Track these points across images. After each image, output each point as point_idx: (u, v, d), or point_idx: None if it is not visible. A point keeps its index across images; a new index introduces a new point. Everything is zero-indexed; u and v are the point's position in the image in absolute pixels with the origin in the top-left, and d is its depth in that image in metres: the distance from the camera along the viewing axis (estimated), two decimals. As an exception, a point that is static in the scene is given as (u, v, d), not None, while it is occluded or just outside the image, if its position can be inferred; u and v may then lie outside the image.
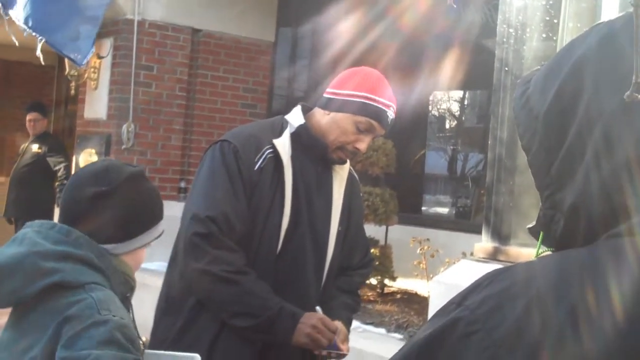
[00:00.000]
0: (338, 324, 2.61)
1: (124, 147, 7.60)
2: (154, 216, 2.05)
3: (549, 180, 0.96)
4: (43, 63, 7.09)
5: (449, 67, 6.97)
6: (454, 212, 7.69)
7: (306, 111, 2.73)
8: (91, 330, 1.73)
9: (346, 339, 2.65)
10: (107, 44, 7.67)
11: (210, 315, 2.56)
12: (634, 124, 0.88)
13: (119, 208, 1.95)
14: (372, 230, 5.80)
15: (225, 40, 8.23)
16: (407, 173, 7.46)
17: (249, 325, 2.50)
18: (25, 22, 6.71)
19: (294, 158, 2.62)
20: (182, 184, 7.94)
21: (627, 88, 0.84)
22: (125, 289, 1.96)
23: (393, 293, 6.22)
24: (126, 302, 1.95)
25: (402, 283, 6.26)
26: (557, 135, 0.95)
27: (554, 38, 3.75)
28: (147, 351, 2.04)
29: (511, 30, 3.92)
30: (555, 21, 3.73)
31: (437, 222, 6.99)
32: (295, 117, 2.69)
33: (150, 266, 5.95)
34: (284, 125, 2.68)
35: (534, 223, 1.02)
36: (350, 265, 2.85)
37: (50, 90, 11.54)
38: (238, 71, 8.33)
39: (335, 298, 2.76)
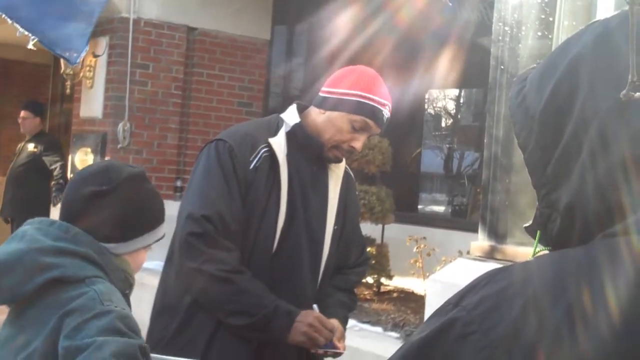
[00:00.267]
0: (334, 322, 2.61)
1: (119, 146, 7.59)
2: (155, 218, 2.05)
3: (545, 179, 0.96)
4: (34, 47, 7.06)
5: (445, 65, 6.97)
6: (450, 210, 7.69)
7: (301, 110, 2.72)
8: (94, 320, 1.74)
9: (343, 337, 2.64)
10: (103, 43, 7.66)
11: (206, 315, 2.55)
12: (630, 123, 0.88)
13: (117, 207, 1.96)
14: (368, 228, 5.80)
15: (221, 39, 8.23)
16: (403, 171, 7.46)
17: (244, 324, 2.49)
18: (18, 21, 6.70)
19: (289, 157, 2.61)
20: (178, 183, 7.93)
21: (623, 87, 0.84)
22: (124, 285, 1.97)
23: (389, 292, 6.22)
24: (125, 299, 1.96)
25: (398, 282, 6.26)
26: (553, 134, 0.95)
27: (550, 36, 3.75)
28: (152, 355, 2.05)
29: (507, 28, 3.92)
30: (551, 19, 3.73)
31: (433, 221, 7.00)
32: (290, 116, 2.69)
33: (148, 265, 5.88)
34: (279, 124, 2.67)
35: (530, 222, 1.02)
36: (346, 263, 2.85)
37: (46, 88, 11.52)
38: (234, 69, 8.32)
39: (332, 296, 2.76)
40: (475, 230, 4.14)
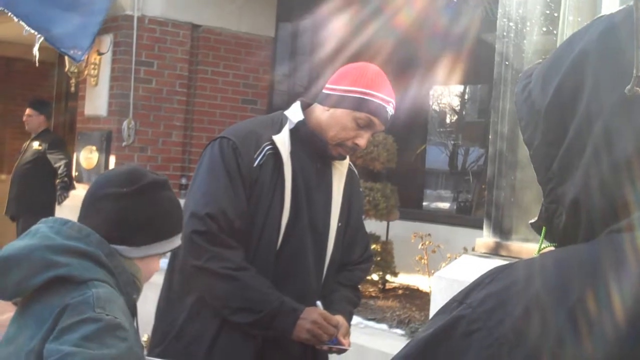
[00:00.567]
0: (339, 318, 2.61)
1: (124, 143, 7.59)
2: (171, 227, 2.04)
3: (551, 174, 0.96)
4: (37, 63, 7.08)
5: (450, 62, 6.96)
6: (455, 207, 7.69)
7: (305, 107, 2.72)
8: (82, 325, 1.73)
9: (348, 333, 2.64)
10: (107, 40, 7.66)
11: (211, 311, 2.56)
12: (635, 118, 0.88)
13: (135, 212, 1.96)
14: (373, 225, 5.80)
15: (225, 36, 8.22)
16: (408, 168, 7.45)
17: (249, 321, 2.50)
18: (25, 19, 6.70)
19: (293, 154, 2.61)
20: (183, 181, 7.93)
21: (628, 82, 0.83)
22: (132, 289, 1.96)
23: (394, 289, 6.22)
24: (132, 302, 1.95)
25: (403, 279, 6.26)
26: (558, 129, 0.94)
27: (554, 32, 3.74)
28: (148, 358, 2.05)
29: (511, 24, 3.91)
30: (556, 15, 3.72)
31: (438, 217, 6.99)
32: (294, 113, 2.69)
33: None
34: (283, 121, 2.67)
35: (536, 218, 1.02)
36: (350, 260, 2.85)
37: (50, 87, 11.52)
38: (238, 67, 8.31)
39: (336, 292, 2.77)
40: (480, 227, 4.13)
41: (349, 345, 2.63)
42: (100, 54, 7.70)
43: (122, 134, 7.57)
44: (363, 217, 3.10)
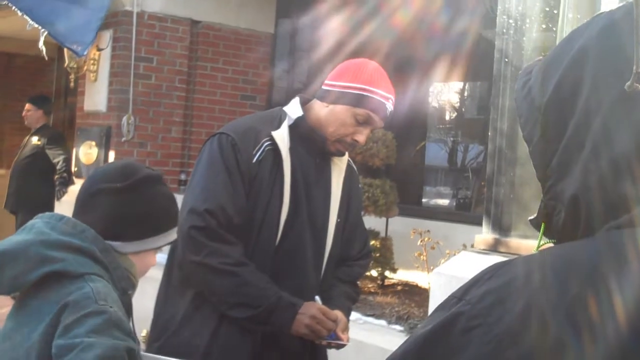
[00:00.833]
0: (338, 313, 2.61)
1: (124, 139, 7.59)
2: (165, 221, 2.05)
3: (550, 171, 0.96)
4: (45, 57, 7.08)
5: (449, 58, 6.96)
6: (454, 203, 7.69)
7: (305, 103, 2.72)
8: (87, 319, 1.74)
9: (346, 329, 2.65)
10: (107, 36, 7.65)
11: (210, 307, 2.56)
12: (634, 115, 0.88)
13: (128, 206, 1.97)
14: (372, 222, 5.80)
15: (225, 32, 8.22)
16: (407, 165, 7.45)
17: (247, 316, 2.50)
18: (28, 13, 6.69)
19: (292, 150, 2.61)
20: (183, 176, 7.93)
21: (627, 79, 0.83)
22: (126, 284, 1.97)
23: (393, 285, 6.22)
24: (126, 298, 1.96)
25: (402, 275, 6.26)
26: (558, 126, 0.94)
27: (554, 29, 3.74)
28: (144, 354, 2.05)
29: (511, 21, 3.91)
30: (555, 12, 3.72)
31: (437, 214, 6.99)
32: (293, 109, 2.69)
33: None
34: (282, 117, 2.67)
35: (535, 215, 1.02)
36: (349, 256, 2.85)
37: (50, 82, 11.51)
38: (238, 63, 8.31)
39: (335, 287, 2.77)
40: (480, 224, 4.13)
41: (348, 341, 2.63)
42: (99, 49, 7.69)
43: (122, 129, 7.57)
44: (362, 213, 3.09)
